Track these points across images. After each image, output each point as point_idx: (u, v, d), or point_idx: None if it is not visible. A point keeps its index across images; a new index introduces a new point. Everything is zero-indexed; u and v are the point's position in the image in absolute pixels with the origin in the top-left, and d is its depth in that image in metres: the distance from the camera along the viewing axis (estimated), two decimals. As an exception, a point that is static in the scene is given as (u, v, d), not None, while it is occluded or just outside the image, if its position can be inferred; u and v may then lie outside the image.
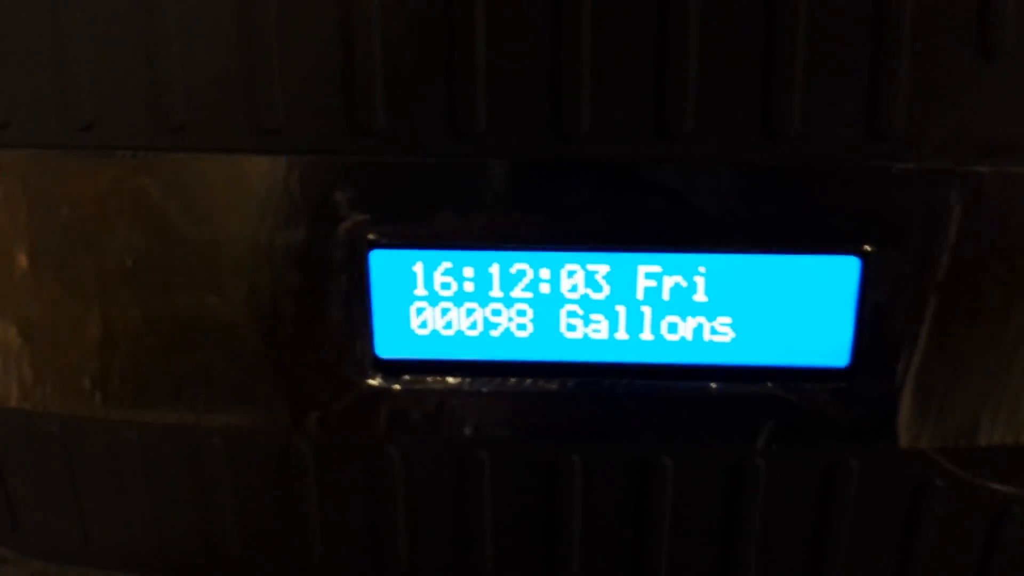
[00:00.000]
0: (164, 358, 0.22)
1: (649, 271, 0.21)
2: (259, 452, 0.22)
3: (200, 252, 0.21)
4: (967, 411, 0.21)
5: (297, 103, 0.19)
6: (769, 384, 0.21)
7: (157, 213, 0.20)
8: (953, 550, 0.22)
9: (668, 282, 0.21)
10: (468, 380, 0.22)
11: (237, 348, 0.21)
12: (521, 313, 0.21)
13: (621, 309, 0.21)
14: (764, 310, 0.21)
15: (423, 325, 0.21)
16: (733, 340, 0.21)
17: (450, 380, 0.21)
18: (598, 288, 0.21)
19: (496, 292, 0.21)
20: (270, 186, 0.20)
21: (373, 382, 0.21)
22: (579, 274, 0.21)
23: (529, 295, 0.21)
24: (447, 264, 0.21)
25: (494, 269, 0.21)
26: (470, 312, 0.21)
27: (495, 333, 0.21)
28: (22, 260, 0.21)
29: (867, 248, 0.20)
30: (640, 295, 0.21)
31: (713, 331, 0.21)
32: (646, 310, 0.21)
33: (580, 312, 0.21)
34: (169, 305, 0.21)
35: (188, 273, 0.21)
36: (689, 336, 0.21)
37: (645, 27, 0.18)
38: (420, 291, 0.21)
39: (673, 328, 0.21)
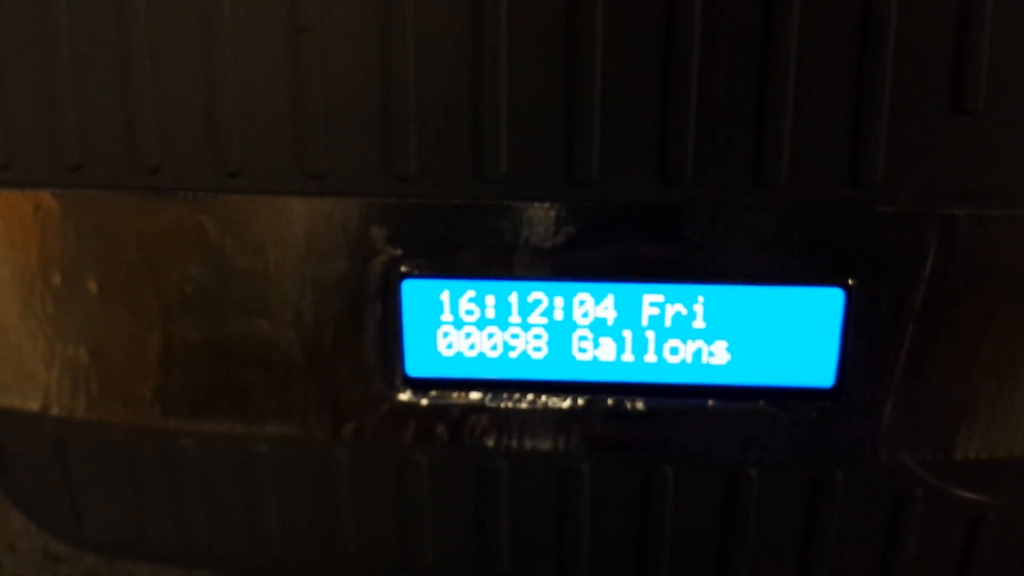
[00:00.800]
0: (217, 375, 0.23)
1: (653, 300, 0.22)
2: (301, 459, 0.24)
3: (251, 282, 0.22)
4: (943, 429, 0.22)
5: (340, 151, 0.21)
6: (761, 402, 0.22)
7: (214, 247, 0.22)
8: (933, 555, 0.24)
9: (670, 310, 0.22)
10: (488, 396, 0.23)
11: (282, 366, 0.23)
12: (537, 337, 0.22)
13: (627, 334, 0.22)
14: (757, 336, 0.22)
15: (449, 347, 0.23)
16: (729, 362, 0.22)
17: (472, 396, 0.23)
18: (606, 315, 0.22)
19: (515, 318, 0.22)
20: (315, 224, 0.21)
21: (403, 397, 0.23)
22: (589, 303, 0.22)
23: (544, 321, 0.22)
24: (471, 293, 0.22)
25: (513, 298, 0.22)
26: (491, 336, 0.22)
27: (513, 355, 0.23)
28: (92, 287, 0.23)
29: (850, 282, 0.21)
30: (645, 321, 0.22)
31: (711, 354, 0.22)
32: (650, 335, 0.22)
33: (590, 336, 0.22)
34: (223, 328, 0.23)
35: (240, 300, 0.22)
36: (689, 359, 0.22)
37: (649, 87, 0.20)
38: (447, 317, 0.22)
39: (675, 351, 0.22)
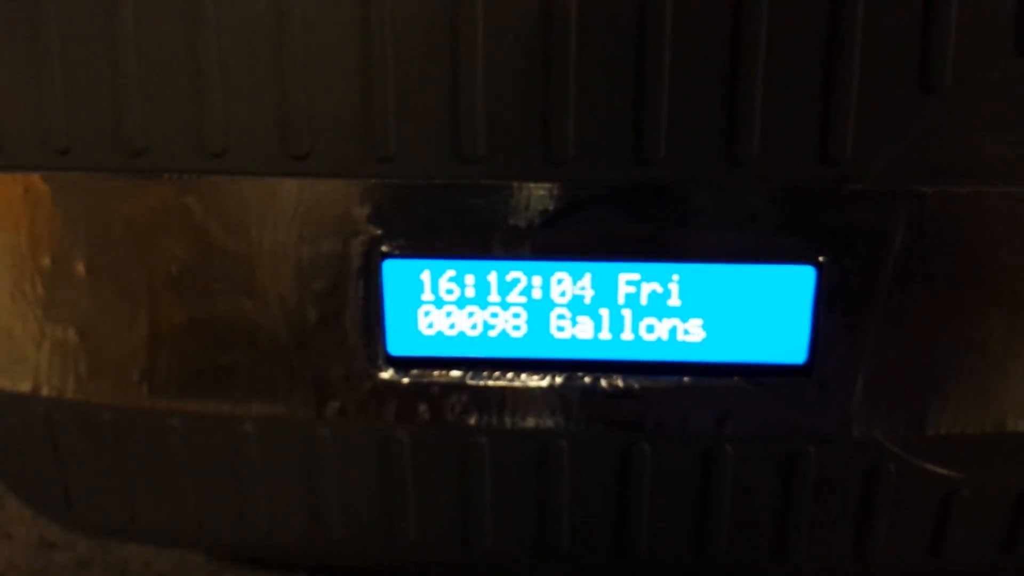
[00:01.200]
0: (204, 354, 0.23)
1: (629, 279, 0.22)
2: (286, 437, 0.24)
3: (236, 262, 0.23)
4: (914, 405, 0.23)
5: (322, 133, 0.21)
6: (735, 379, 0.23)
7: (199, 228, 0.22)
8: (907, 529, 0.24)
9: (646, 288, 0.22)
10: (469, 374, 0.23)
11: (267, 346, 0.23)
12: (516, 316, 0.23)
13: (604, 312, 0.23)
14: (731, 313, 0.22)
15: (430, 326, 0.23)
16: (703, 340, 0.23)
17: (453, 374, 0.23)
18: (583, 294, 0.23)
19: (494, 297, 0.23)
20: (297, 205, 0.22)
21: (385, 376, 0.23)
22: (567, 281, 0.22)
23: (523, 300, 0.23)
24: (451, 272, 0.23)
25: (492, 277, 0.23)
26: (471, 315, 0.23)
27: (493, 333, 0.23)
28: (80, 268, 0.23)
29: (821, 259, 0.22)
30: (621, 300, 0.23)
31: (686, 332, 0.23)
32: (626, 313, 0.23)
33: (568, 315, 0.23)
34: (209, 308, 0.23)
35: (225, 280, 0.23)
36: (665, 336, 0.23)
37: (623, 68, 0.20)
38: (427, 296, 0.23)
39: (651, 329, 0.23)
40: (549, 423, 0.23)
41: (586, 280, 0.23)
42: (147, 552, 0.39)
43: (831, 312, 0.22)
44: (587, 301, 0.23)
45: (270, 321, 0.23)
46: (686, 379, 0.23)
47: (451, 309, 0.23)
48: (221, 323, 0.23)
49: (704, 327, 0.23)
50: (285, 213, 0.22)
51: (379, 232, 0.22)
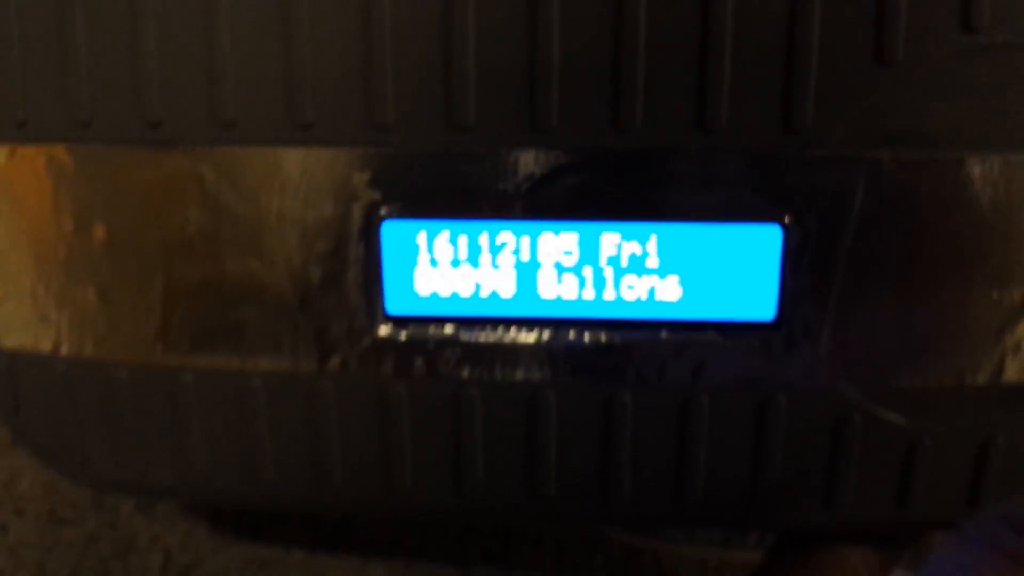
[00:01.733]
0: (214, 313, 0.25)
1: (611, 240, 0.24)
2: (290, 391, 0.25)
3: (245, 226, 0.24)
4: (877, 358, 0.24)
5: (325, 105, 0.23)
6: (710, 333, 0.24)
7: (211, 194, 0.24)
8: (875, 477, 0.25)
9: (626, 248, 0.24)
10: (461, 331, 0.25)
11: (274, 304, 0.25)
12: (505, 276, 0.24)
13: (588, 272, 0.24)
14: (705, 271, 0.24)
15: (425, 285, 0.24)
16: (680, 298, 0.24)
17: (447, 331, 0.25)
18: (568, 254, 0.24)
19: (485, 258, 0.24)
20: (302, 171, 0.23)
21: (384, 332, 0.25)
22: (553, 242, 0.24)
23: (512, 260, 0.24)
24: (446, 234, 0.24)
25: (483, 239, 0.24)
26: (464, 275, 0.24)
27: (484, 293, 0.24)
28: (100, 233, 0.25)
29: (786, 219, 0.23)
30: (603, 261, 0.24)
31: (664, 289, 0.24)
32: (608, 273, 0.24)
33: (554, 274, 0.24)
34: (219, 269, 0.24)
35: (235, 243, 0.24)
36: (644, 295, 0.24)
37: (603, 45, 0.22)
38: (423, 257, 0.24)
39: (631, 287, 0.24)
40: (536, 376, 0.25)
41: (571, 241, 0.24)
42: (154, 527, 0.40)
43: (797, 270, 0.24)
44: (572, 262, 0.24)
45: (276, 281, 0.25)
46: (664, 334, 0.24)
47: (445, 269, 0.24)
48: (231, 283, 0.25)
49: (680, 284, 0.24)
50: (291, 180, 0.24)
51: (378, 197, 0.24)
